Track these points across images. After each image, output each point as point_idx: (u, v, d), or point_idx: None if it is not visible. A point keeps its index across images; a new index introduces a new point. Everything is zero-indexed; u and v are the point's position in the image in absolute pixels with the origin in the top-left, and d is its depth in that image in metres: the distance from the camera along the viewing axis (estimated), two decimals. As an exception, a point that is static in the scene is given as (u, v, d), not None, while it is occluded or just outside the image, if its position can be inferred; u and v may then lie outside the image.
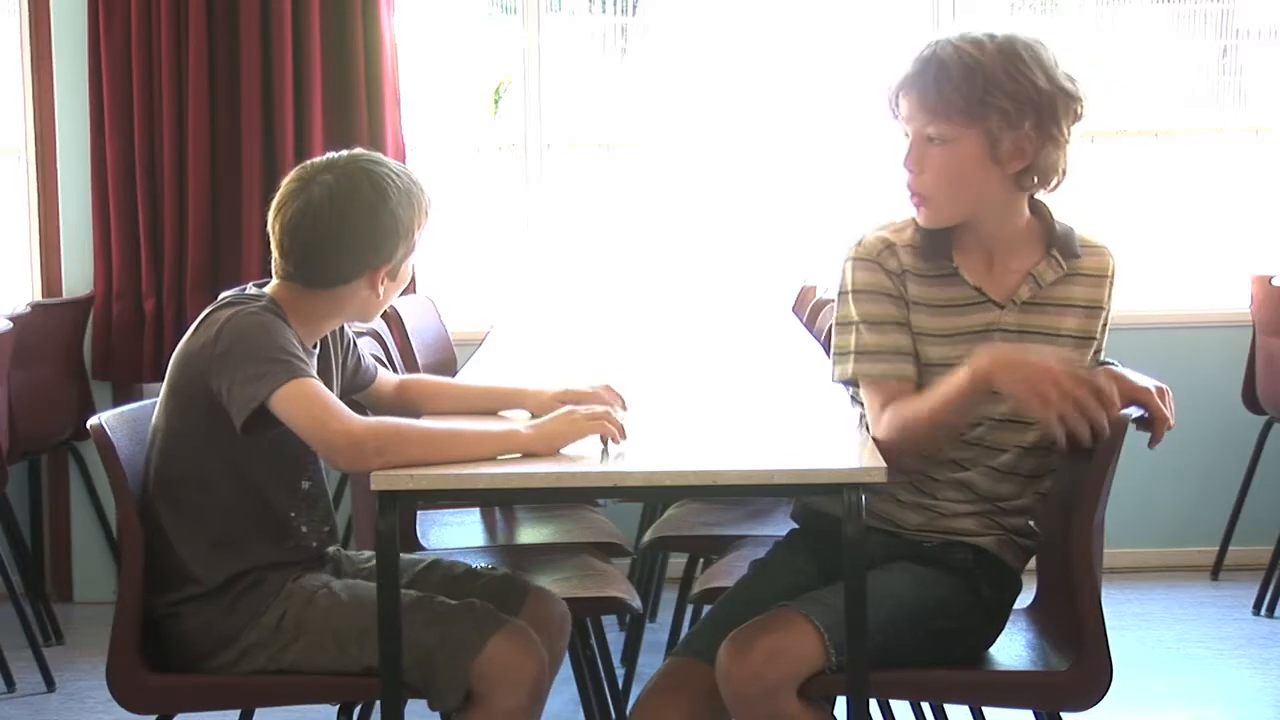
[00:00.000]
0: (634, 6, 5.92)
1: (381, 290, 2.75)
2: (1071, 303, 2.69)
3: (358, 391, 2.95)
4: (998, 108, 2.58)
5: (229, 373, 2.59)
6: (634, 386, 3.02)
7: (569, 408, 2.66)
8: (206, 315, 2.70)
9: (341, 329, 2.89)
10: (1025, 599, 2.84)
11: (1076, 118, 2.65)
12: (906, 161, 2.67)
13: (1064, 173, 2.67)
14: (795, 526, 2.90)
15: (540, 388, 2.96)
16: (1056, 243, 2.69)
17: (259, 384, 2.56)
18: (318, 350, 2.78)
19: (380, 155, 2.82)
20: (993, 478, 2.71)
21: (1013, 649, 2.76)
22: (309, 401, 2.57)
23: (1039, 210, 2.71)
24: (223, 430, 2.63)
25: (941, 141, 2.63)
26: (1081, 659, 2.61)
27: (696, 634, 2.73)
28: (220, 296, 2.75)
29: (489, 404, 2.97)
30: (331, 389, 2.75)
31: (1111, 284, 2.72)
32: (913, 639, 2.59)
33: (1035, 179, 2.65)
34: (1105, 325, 2.73)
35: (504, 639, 2.62)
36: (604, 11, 5.86)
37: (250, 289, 2.76)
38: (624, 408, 2.87)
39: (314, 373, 2.65)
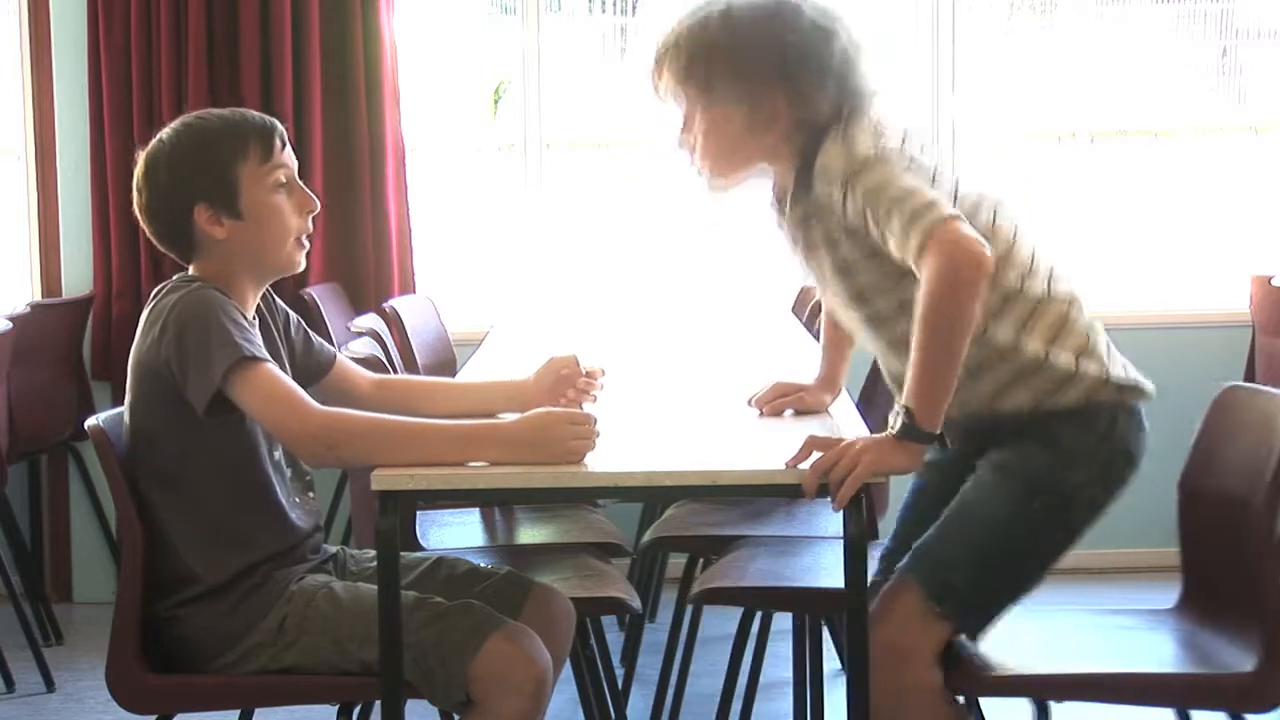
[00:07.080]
0: (634, 6, 5.92)
1: (225, 228, 2.66)
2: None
3: (318, 377, 2.88)
4: (722, 76, 2.60)
5: (183, 359, 2.57)
6: (634, 386, 3.02)
7: (549, 414, 2.56)
8: (151, 309, 2.67)
9: (274, 301, 2.85)
10: (1169, 600, 2.78)
11: (841, 54, 2.61)
12: (678, 140, 2.72)
13: (857, 95, 2.60)
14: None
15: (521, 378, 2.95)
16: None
17: (212, 368, 2.55)
18: (258, 323, 2.74)
19: (210, 110, 2.78)
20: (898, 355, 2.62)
21: (1163, 651, 2.72)
22: (260, 389, 2.55)
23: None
24: (191, 418, 2.60)
25: (697, 116, 2.66)
26: (1272, 658, 2.52)
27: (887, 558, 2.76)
28: (156, 290, 2.71)
29: (477, 401, 2.94)
30: (281, 365, 2.72)
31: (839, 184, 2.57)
32: (1015, 540, 2.56)
33: (816, 122, 2.60)
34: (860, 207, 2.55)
35: (502, 640, 2.61)
36: (604, 12, 5.86)
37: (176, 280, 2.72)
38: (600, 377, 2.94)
39: (263, 351, 2.61)
